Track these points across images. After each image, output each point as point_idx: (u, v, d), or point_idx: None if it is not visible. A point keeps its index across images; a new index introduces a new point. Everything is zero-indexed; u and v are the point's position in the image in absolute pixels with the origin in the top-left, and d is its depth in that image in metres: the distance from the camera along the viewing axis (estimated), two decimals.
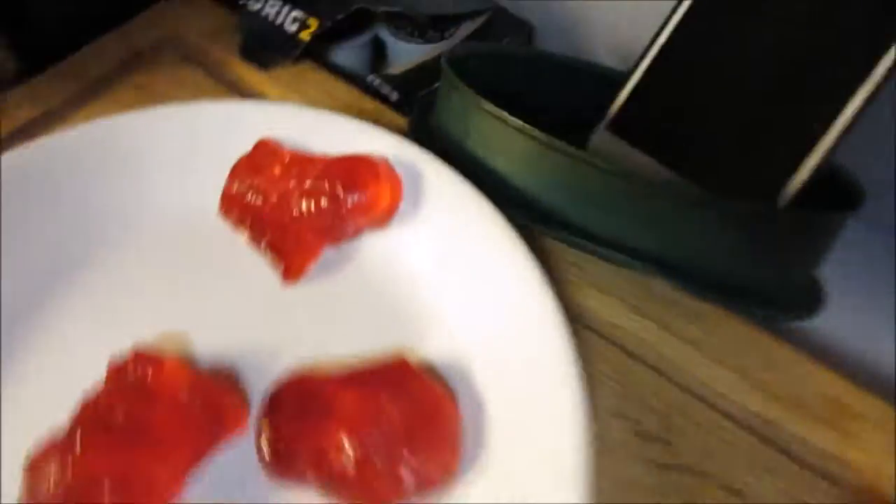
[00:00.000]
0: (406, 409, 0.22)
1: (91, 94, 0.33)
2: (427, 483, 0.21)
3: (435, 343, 0.25)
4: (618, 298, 0.28)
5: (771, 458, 0.24)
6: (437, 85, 0.33)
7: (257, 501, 0.22)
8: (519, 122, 0.26)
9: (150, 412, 0.22)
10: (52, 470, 0.20)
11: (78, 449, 0.20)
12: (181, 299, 0.26)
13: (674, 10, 0.30)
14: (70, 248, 0.27)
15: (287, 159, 0.27)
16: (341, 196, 0.26)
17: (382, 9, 0.36)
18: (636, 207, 0.26)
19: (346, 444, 0.21)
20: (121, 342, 0.23)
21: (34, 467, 0.21)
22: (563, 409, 0.21)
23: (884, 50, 0.25)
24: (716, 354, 0.27)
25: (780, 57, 0.27)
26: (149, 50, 0.35)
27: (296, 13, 0.35)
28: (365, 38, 0.39)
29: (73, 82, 0.33)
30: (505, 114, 0.27)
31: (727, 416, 0.25)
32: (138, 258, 0.27)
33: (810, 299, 0.29)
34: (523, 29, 0.40)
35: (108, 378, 0.22)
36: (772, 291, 0.28)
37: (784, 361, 0.27)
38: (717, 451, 0.24)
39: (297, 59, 0.35)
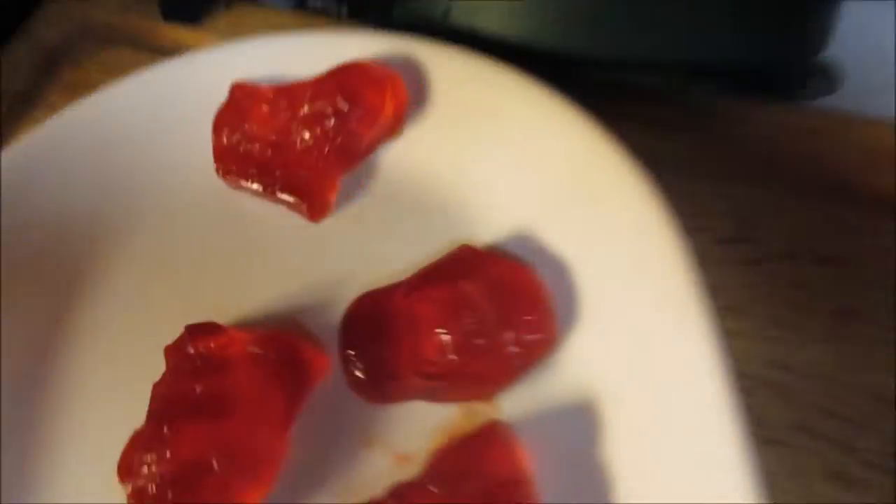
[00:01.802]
0: (488, 289, 0.20)
1: (21, 109, 0.30)
2: (533, 353, 0.20)
3: (494, 227, 0.23)
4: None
5: None
6: None
7: (368, 434, 0.20)
8: None
9: (230, 381, 0.20)
10: (150, 466, 0.18)
11: (170, 438, 0.18)
12: (214, 270, 0.23)
13: None
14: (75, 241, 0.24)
15: (271, 95, 0.24)
16: (345, 110, 0.23)
17: None
18: (659, 13, 0.24)
19: (442, 338, 0.19)
20: (168, 324, 0.21)
21: (128, 470, 0.19)
22: (660, 249, 0.20)
23: None
24: None
25: None
26: (63, 44, 0.31)
27: None
28: None
29: None
30: None
31: None
32: (150, 244, 0.24)
33: (829, 78, 0.28)
34: None
35: (169, 361, 0.20)
36: (793, 73, 0.27)
37: None
38: None
39: (229, 4, 0.32)
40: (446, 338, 0.19)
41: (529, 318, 0.20)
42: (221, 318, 0.21)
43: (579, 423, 0.19)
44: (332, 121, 0.23)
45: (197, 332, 0.20)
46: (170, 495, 0.18)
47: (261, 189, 0.24)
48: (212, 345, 0.20)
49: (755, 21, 0.26)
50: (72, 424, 0.21)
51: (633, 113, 0.25)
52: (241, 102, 0.25)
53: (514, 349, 0.20)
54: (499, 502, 0.16)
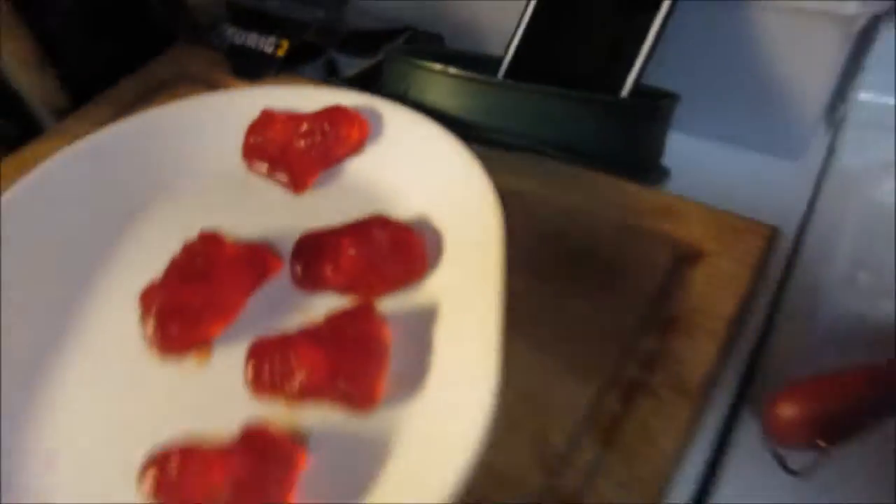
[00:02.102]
0: (386, 236, 0.33)
1: (127, 114, 0.45)
2: (405, 280, 0.32)
3: (400, 207, 0.36)
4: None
5: None
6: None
7: (297, 310, 0.32)
8: (449, 68, 0.39)
9: (217, 266, 0.33)
10: (154, 306, 0.31)
11: (167, 286, 0.31)
12: (223, 213, 0.37)
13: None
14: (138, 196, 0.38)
15: (284, 117, 0.39)
16: (327, 131, 0.38)
17: (317, 18, 0.49)
18: (536, 109, 0.38)
19: (350, 255, 0.32)
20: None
21: (144, 303, 0.32)
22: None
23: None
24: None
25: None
26: (168, 79, 0.47)
27: (271, 38, 0.47)
28: (320, 61, 0.51)
29: (113, 107, 0.45)
30: (436, 64, 0.39)
31: None
32: (193, 198, 0.38)
33: (659, 172, 0.42)
34: (438, 39, 0.54)
35: (184, 249, 0.33)
36: (629, 163, 0.40)
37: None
38: None
39: (277, 72, 0.47)
40: (353, 255, 0.32)
41: (406, 262, 0.33)
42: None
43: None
44: (319, 137, 0.38)
45: (206, 235, 0.34)
46: (167, 320, 0.31)
47: (266, 171, 0.38)
48: (211, 246, 0.34)
49: (617, 139, 0.40)
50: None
51: (509, 164, 0.39)
52: (266, 120, 0.39)
53: (390, 273, 0.32)
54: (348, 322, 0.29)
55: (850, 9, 0.38)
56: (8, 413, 0.31)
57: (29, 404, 0.31)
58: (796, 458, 0.30)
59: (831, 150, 0.46)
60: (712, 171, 0.44)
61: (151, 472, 0.27)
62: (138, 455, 0.27)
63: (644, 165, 0.41)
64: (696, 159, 0.45)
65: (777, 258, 0.36)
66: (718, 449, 0.31)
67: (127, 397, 0.31)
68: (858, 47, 0.42)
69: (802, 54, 0.41)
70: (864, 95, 0.47)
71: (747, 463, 0.30)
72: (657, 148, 0.42)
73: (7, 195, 0.36)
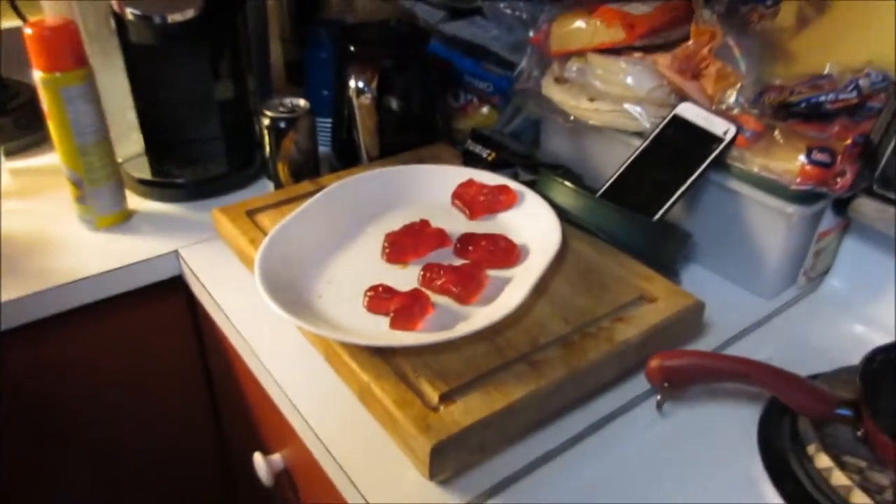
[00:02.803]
0: (502, 244, 0.68)
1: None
2: (501, 264, 0.67)
3: (514, 236, 0.70)
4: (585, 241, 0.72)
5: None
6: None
7: (448, 261, 0.68)
8: (566, 182, 0.74)
9: (422, 233, 0.70)
10: (389, 239, 0.69)
11: (398, 234, 0.69)
12: (434, 217, 0.74)
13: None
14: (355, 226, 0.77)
15: (478, 184, 0.76)
16: (496, 195, 0.74)
17: (517, 148, 0.86)
18: (605, 213, 0.72)
19: (483, 243, 0.67)
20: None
21: (386, 238, 0.69)
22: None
23: (706, 156, 0.71)
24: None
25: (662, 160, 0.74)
26: (428, 157, 0.87)
27: (487, 150, 0.86)
28: (512, 170, 0.89)
29: (398, 161, 0.85)
30: (562, 180, 0.75)
31: None
32: (421, 209, 0.76)
33: (676, 272, 0.73)
34: (576, 175, 0.89)
35: (411, 224, 0.71)
36: (658, 261, 0.72)
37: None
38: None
39: (485, 168, 0.85)
40: (483, 245, 0.68)
41: (507, 255, 0.68)
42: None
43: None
44: (490, 197, 0.75)
45: (422, 220, 0.71)
46: (393, 246, 0.69)
47: (460, 206, 0.76)
48: (423, 224, 0.71)
49: (644, 241, 0.72)
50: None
51: (577, 233, 0.72)
52: (469, 182, 0.77)
53: (500, 259, 0.67)
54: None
55: (789, 209, 0.67)
56: (314, 268, 0.69)
57: (324, 269, 0.69)
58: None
59: (791, 304, 0.73)
60: (705, 285, 0.74)
61: (368, 294, 0.63)
62: (363, 287, 0.64)
63: (661, 262, 0.72)
64: (700, 278, 0.75)
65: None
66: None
67: (367, 274, 0.68)
68: (805, 235, 0.70)
69: (761, 231, 0.70)
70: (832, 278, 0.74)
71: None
72: (670, 257, 0.73)
73: (331, 188, 0.77)
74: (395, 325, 0.60)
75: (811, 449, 0.56)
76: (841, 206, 0.69)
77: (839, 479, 0.54)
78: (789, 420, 0.60)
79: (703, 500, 0.54)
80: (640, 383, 0.62)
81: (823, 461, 0.55)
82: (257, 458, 0.74)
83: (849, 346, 0.63)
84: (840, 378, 0.61)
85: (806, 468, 0.56)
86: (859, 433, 0.56)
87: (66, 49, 0.75)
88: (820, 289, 0.75)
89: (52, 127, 0.78)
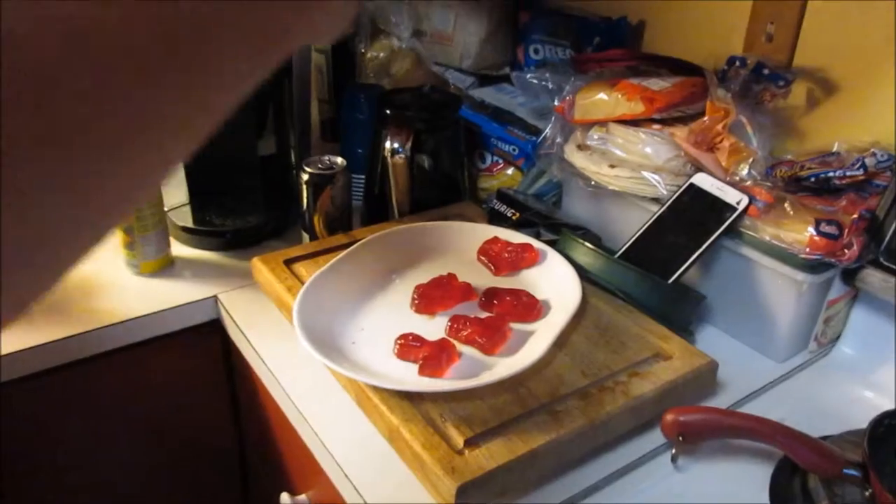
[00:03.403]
0: (525, 300, 0.72)
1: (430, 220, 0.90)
2: (524, 318, 0.71)
3: (537, 292, 0.74)
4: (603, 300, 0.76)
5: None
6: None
7: (474, 313, 0.72)
8: (587, 243, 0.79)
9: (449, 286, 0.74)
10: (418, 292, 0.73)
11: (426, 287, 0.73)
12: (460, 271, 0.78)
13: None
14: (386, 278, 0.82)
15: (503, 241, 0.81)
16: (519, 253, 0.79)
17: (539, 209, 0.91)
18: (622, 273, 0.76)
19: (507, 298, 0.71)
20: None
21: (415, 290, 0.74)
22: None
23: (720, 223, 0.75)
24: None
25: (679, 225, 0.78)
26: (453, 215, 0.92)
27: (511, 210, 0.91)
28: (535, 230, 0.93)
29: (426, 218, 0.90)
30: (582, 240, 0.79)
31: None
32: (448, 264, 0.81)
33: (691, 332, 0.76)
34: (595, 235, 0.93)
35: (439, 277, 0.75)
36: (673, 321, 0.75)
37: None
38: None
39: (510, 227, 0.90)
40: (507, 300, 0.72)
41: (529, 310, 0.71)
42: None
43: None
44: (515, 254, 0.79)
45: (450, 274, 0.76)
46: (422, 299, 0.73)
47: (485, 262, 0.80)
48: (450, 278, 0.75)
49: (660, 302, 0.75)
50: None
51: (597, 292, 0.76)
52: (494, 239, 0.81)
53: (522, 313, 0.71)
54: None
55: (799, 276, 0.71)
56: (348, 316, 0.73)
57: (357, 317, 0.73)
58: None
59: (802, 367, 0.76)
60: (719, 346, 0.77)
61: (398, 342, 0.67)
62: (393, 335, 0.67)
63: (676, 322, 0.75)
64: (714, 339, 0.79)
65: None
66: None
67: (397, 322, 0.72)
68: (815, 302, 0.74)
69: (773, 296, 0.74)
70: (843, 345, 0.77)
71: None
72: (685, 317, 0.76)
73: (365, 240, 0.82)
74: (423, 371, 0.64)
75: None
76: (849, 276, 0.73)
77: None
78: (800, 479, 0.62)
79: None
80: (655, 438, 0.65)
81: None
82: (284, 498, 0.77)
83: (857, 410, 0.66)
84: (848, 440, 0.63)
85: None
86: (867, 493, 0.58)
87: None
88: (831, 354, 0.78)
89: None
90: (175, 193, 0.97)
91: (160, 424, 0.91)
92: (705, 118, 0.78)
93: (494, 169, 1.04)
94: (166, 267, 0.90)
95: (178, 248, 0.93)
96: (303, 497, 0.77)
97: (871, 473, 0.58)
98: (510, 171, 1.02)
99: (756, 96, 0.81)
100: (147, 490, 0.95)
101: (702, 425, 0.60)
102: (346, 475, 0.61)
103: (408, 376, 0.64)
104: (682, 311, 0.76)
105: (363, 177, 1.00)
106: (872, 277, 0.71)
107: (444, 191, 0.97)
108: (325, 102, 1.18)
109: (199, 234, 0.93)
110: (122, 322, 0.81)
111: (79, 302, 0.83)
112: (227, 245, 0.93)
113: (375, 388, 0.63)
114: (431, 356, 0.65)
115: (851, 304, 0.78)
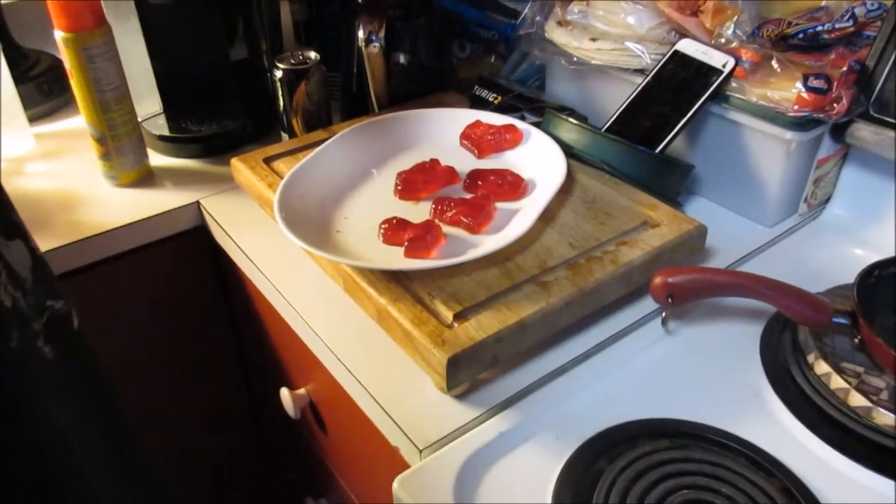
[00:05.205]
0: (510, 179, 0.71)
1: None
2: (510, 197, 0.70)
3: (523, 171, 0.73)
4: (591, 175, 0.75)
5: None
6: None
7: (458, 195, 0.70)
8: (571, 119, 0.77)
9: (432, 171, 0.72)
10: (400, 177, 0.72)
11: (409, 172, 0.72)
12: (442, 155, 0.77)
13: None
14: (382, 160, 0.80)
15: (485, 124, 0.79)
16: (502, 134, 0.77)
17: (522, 91, 0.89)
18: (609, 147, 0.74)
19: (492, 177, 0.70)
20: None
21: (398, 176, 0.72)
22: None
23: (706, 88, 0.73)
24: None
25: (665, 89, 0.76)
26: (435, 103, 0.90)
27: (493, 94, 0.88)
28: (520, 113, 0.91)
29: (408, 107, 0.88)
30: (566, 117, 0.77)
31: None
32: (431, 148, 0.79)
33: (679, 203, 0.75)
34: (580, 114, 0.91)
35: (421, 163, 0.74)
36: (661, 192, 0.74)
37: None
38: None
39: (492, 110, 0.88)
40: (492, 180, 0.70)
41: (515, 188, 0.70)
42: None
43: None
44: (497, 136, 0.77)
45: (432, 160, 0.74)
46: (405, 184, 0.71)
47: (469, 145, 0.78)
48: (433, 164, 0.74)
49: (648, 173, 0.74)
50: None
51: (584, 168, 0.75)
52: (476, 123, 0.79)
53: (508, 192, 0.70)
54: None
55: (787, 135, 0.69)
56: (331, 206, 0.72)
57: (340, 207, 0.72)
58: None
59: (792, 230, 0.76)
60: (708, 214, 0.76)
61: (383, 226, 0.66)
62: (378, 222, 0.67)
63: (664, 193, 0.74)
64: (703, 208, 0.78)
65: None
66: None
67: (381, 210, 0.71)
68: (804, 162, 0.72)
69: (762, 160, 0.73)
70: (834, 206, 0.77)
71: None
72: (673, 188, 0.75)
73: (345, 131, 0.80)
74: (409, 253, 0.63)
75: (811, 357, 0.59)
76: (839, 132, 0.71)
77: (837, 383, 0.56)
78: (790, 333, 0.62)
79: (708, 410, 0.56)
80: (646, 305, 0.65)
81: (823, 368, 0.58)
82: (284, 393, 0.78)
83: (848, 268, 0.66)
84: (837, 293, 0.63)
85: (806, 375, 0.58)
86: (856, 340, 0.59)
87: (86, 9, 0.77)
88: (821, 216, 0.77)
89: (74, 85, 0.81)
90: (148, 103, 0.94)
91: (154, 333, 0.92)
92: None
93: (475, 57, 1.00)
94: (146, 177, 0.88)
95: (157, 159, 0.91)
96: (301, 391, 0.78)
97: (861, 319, 0.58)
98: (491, 58, 0.99)
99: None
100: (150, 405, 0.96)
101: (690, 285, 0.60)
102: (339, 360, 0.61)
103: (394, 259, 0.64)
104: (669, 182, 0.75)
105: (339, 74, 0.97)
106: (863, 131, 0.69)
107: (423, 82, 0.94)
108: (297, 2, 1.13)
109: (176, 142, 0.91)
110: (106, 232, 0.80)
111: (58, 215, 0.82)
112: (206, 151, 0.91)
113: (362, 272, 0.62)
114: (417, 237, 0.64)
115: (841, 165, 0.76)
